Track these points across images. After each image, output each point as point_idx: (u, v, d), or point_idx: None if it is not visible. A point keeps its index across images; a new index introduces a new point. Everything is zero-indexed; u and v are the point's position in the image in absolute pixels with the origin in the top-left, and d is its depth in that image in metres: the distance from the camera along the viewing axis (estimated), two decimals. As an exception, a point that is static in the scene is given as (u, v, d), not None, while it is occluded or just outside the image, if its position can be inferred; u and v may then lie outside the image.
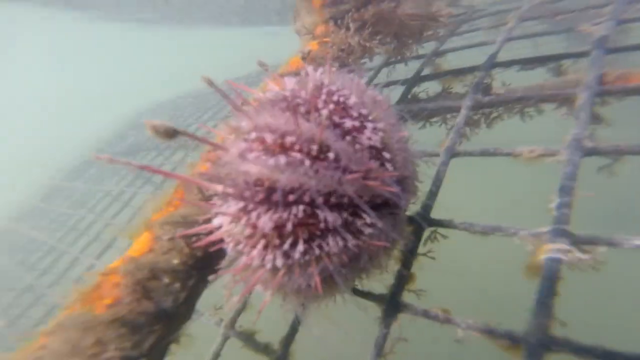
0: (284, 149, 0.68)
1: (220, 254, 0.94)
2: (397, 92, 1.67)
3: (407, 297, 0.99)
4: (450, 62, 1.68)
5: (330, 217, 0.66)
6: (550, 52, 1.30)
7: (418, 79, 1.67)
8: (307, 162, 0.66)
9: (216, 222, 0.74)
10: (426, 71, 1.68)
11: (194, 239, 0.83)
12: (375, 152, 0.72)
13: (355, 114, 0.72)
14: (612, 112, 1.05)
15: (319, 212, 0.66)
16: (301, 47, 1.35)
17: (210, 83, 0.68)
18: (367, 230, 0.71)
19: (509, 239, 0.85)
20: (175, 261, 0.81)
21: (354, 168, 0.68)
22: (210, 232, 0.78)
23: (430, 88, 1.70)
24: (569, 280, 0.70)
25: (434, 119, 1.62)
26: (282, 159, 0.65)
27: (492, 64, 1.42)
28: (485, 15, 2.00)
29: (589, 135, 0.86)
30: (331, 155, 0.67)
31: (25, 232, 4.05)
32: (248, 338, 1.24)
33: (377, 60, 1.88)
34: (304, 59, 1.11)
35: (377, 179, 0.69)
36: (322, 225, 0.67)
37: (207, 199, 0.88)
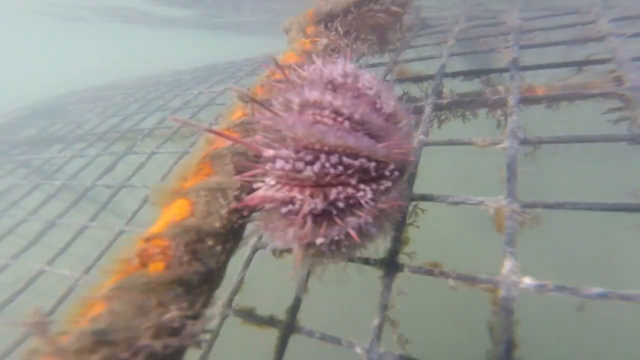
0: (330, 118, 0.81)
1: (247, 217, 1.00)
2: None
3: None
4: (408, 69, 2.01)
5: (366, 176, 0.83)
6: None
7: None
8: (350, 129, 0.81)
9: (268, 182, 0.82)
10: (389, 77, 1.98)
11: (233, 203, 0.89)
12: (395, 128, 0.92)
13: (382, 97, 0.90)
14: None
15: (357, 171, 0.81)
16: (292, 44, 1.48)
17: (280, 66, 0.77)
18: (389, 190, 0.89)
19: (476, 206, 1.13)
20: (217, 224, 0.86)
21: (384, 138, 0.86)
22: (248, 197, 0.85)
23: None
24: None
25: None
26: (335, 125, 0.79)
27: (443, 73, 1.78)
28: (430, 33, 2.44)
29: (521, 129, 1.22)
30: (368, 126, 0.83)
31: None
32: (248, 314, 1.28)
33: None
34: (324, 50, 1.25)
35: (400, 148, 0.88)
36: (358, 184, 0.82)
37: (239, 169, 0.94)
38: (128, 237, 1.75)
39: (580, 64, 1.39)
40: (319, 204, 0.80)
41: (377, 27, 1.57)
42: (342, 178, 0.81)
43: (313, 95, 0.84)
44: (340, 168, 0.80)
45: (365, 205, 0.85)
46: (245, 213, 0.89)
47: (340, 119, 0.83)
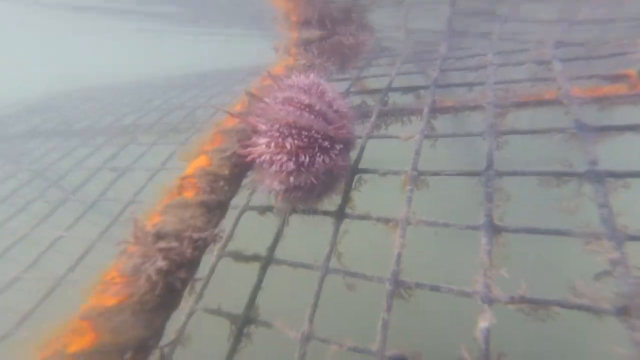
0: (301, 108, 1.35)
1: (243, 174, 1.50)
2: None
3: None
4: (367, 83, 2.62)
5: (322, 144, 1.36)
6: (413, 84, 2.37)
7: (347, 94, 2.54)
8: (313, 116, 1.35)
9: (259, 146, 1.33)
10: (352, 89, 2.57)
11: (234, 160, 1.40)
12: (341, 118, 1.46)
13: (331, 97, 1.45)
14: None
15: (316, 141, 1.34)
16: (281, 59, 2.02)
17: (272, 77, 1.31)
18: (335, 155, 1.42)
19: (397, 176, 1.70)
20: (226, 172, 1.35)
21: (334, 122, 1.40)
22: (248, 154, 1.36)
23: (354, 100, 2.61)
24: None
25: (356, 121, 2.50)
26: (302, 113, 1.32)
27: (388, 88, 2.39)
28: (385, 56, 3.09)
29: (429, 129, 1.82)
30: (324, 116, 1.37)
31: None
32: (238, 255, 1.75)
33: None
34: (302, 66, 1.80)
35: (343, 130, 1.43)
36: (317, 149, 1.35)
37: (240, 140, 1.45)
38: (138, 206, 2.15)
39: (470, 85, 2.04)
40: (292, 165, 1.31)
41: (342, 54, 2.16)
42: (308, 145, 1.34)
43: (291, 94, 1.37)
44: (307, 140, 1.33)
45: (321, 164, 1.37)
46: (244, 163, 1.39)
47: (308, 109, 1.36)
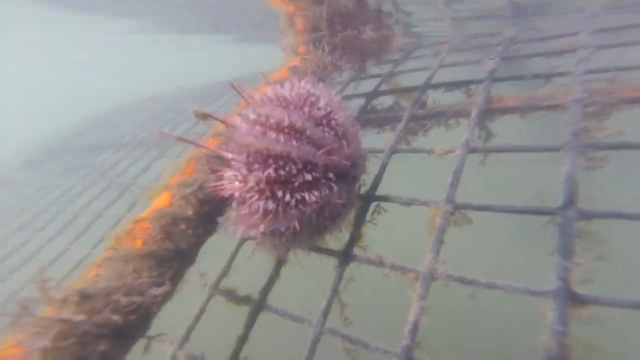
0: (278, 130, 1.00)
1: (219, 210, 1.22)
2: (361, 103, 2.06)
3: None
4: (404, 80, 2.13)
5: (306, 177, 1.00)
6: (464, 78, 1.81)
7: (376, 93, 2.09)
8: (293, 139, 0.99)
9: (226, 180, 1.03)
10: (383, 87, 2.11)
11: (202, 195, 1.12)
12: (337, 138, 1.08)
13: (324, 112, 1.07)
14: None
15: (298, 173, 0.99)
16: (286, 61, 1.70)
17: (235, 86, 0.99)
18: (328, 189, 1.04)
19: (422, 207, 1.25)
20: (190, 212, 1.08)
21: (326, 144, 1.03)
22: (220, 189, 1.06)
23: (385, 101, 2.14)
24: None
25: (386, 126, 2.05)
26: (278, 136, 0.97)
27: (427, 85, 1.88)
28: (430, 45, 2.53)
29: (475, 139, 1.31)
30: (308, 136, 1.01)
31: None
32: (230, 294, 1.49)
33: (346, 75, 2.29)
34: (291, 72, 1.46)
35: (336, 155, 1.04)
36: (300, 182, 1.00)
37: (213, 169, 1.17)
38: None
39: (546, 77, 1.42)
40: (270, 204, 0.98)
41: (361, 49, 1.74)
42: (286, 179, 0.99)
43: (266, 110, 1.04)
44: (285, 172, 0.98)
45: (308, 201, 1.02)
46: (219, 197, 1.10)
47: (287, 130, 1.02)
